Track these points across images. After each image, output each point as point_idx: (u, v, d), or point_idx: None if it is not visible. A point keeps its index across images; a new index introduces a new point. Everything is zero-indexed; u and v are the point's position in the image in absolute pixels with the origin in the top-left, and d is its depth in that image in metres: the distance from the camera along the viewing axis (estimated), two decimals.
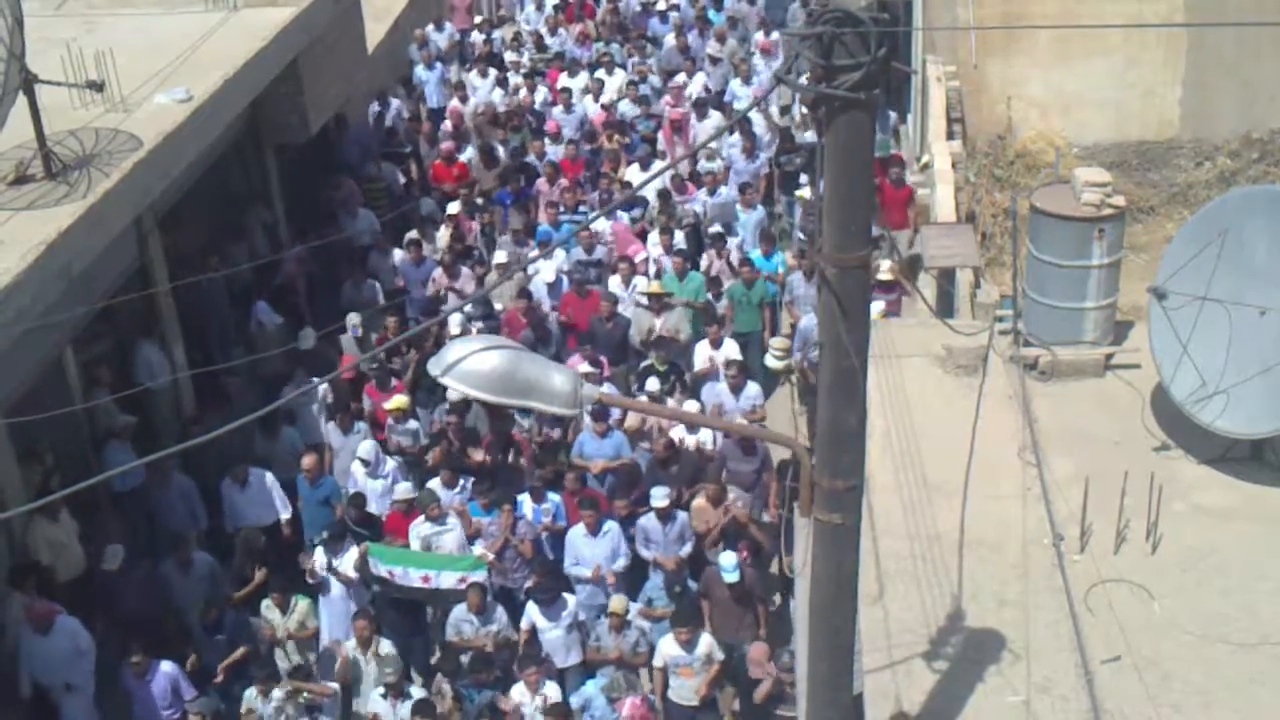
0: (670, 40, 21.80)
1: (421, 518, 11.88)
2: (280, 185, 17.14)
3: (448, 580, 11.34)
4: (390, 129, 19.35)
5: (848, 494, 5.93)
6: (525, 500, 12.17)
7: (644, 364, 13.95)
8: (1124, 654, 7.54)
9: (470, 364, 5.62)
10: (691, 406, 12.79)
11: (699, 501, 11.94)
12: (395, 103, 19.72)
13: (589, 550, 11.68)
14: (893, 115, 18.28)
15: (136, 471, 12.12)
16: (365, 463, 12.69)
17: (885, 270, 13.75)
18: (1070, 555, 8.25)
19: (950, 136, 16.95)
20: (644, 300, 14.68)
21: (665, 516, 11.63)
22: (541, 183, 17.57)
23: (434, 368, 5.75)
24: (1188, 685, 7.38)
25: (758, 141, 18.05)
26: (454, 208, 16.99)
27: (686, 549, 11.72)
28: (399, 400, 13.24)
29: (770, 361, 13.65)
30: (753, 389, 13.27)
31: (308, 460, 12.66)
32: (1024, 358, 9.92)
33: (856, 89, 5.15)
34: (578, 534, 11.75)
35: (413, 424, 13.29)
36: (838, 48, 5.10)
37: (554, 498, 12.20)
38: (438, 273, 15.65)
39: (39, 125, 11.68)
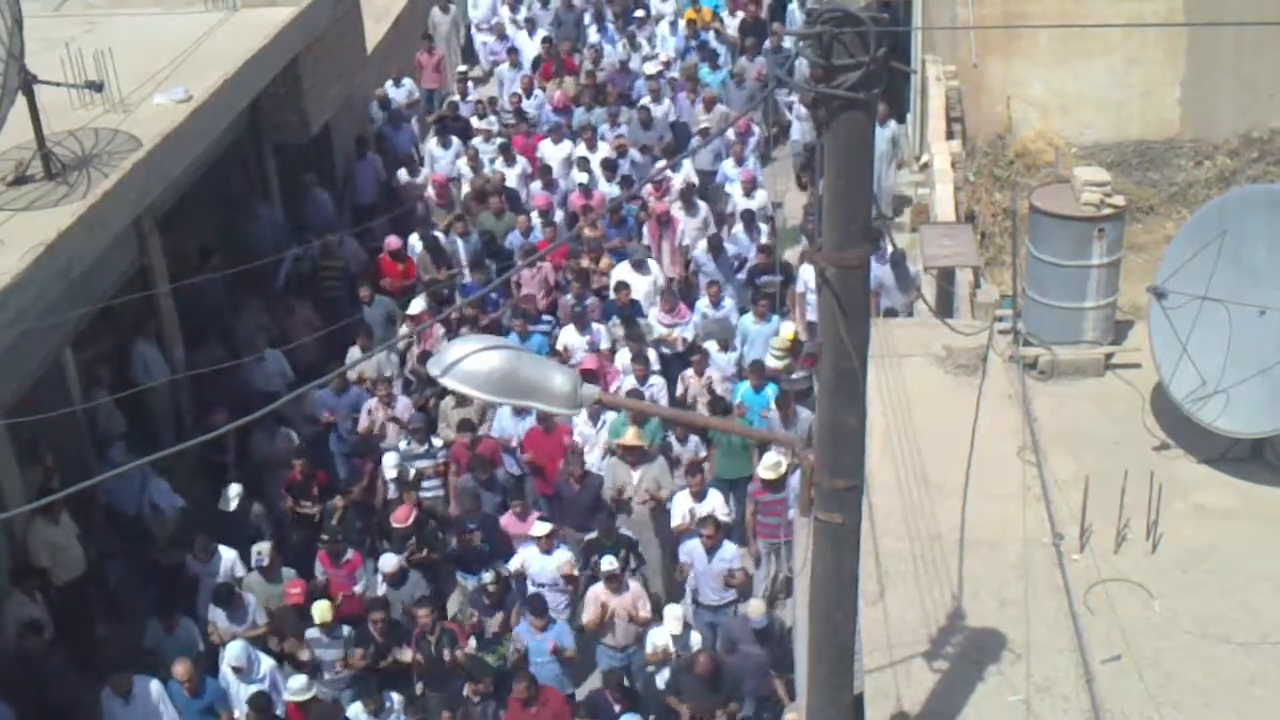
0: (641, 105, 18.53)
1: None
2: (280, 186, 17.12)
3: None
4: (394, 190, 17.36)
5: (848, 494, 5.94)
6: None
7: (588, 538, 12.05)
8: (1124, 654, 7.54)
9: (470, 364, 5.60)
10: (640, 596, 11.28)
11: None
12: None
13: None
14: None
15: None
16: (237, 669, 10.85)
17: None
18: (1070, 555, 8.24)
19: (950, 136, 16.95)
20: (614, 446, 12.68)
21: None
22: (527, 274, 15.18)
23: (434, 368, 5.70)
24: (1188, 685, 7.38)
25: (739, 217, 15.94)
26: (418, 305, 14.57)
27: None
28: (323, 610, 11.08)
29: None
30: (729, 550, 11.55)
31: (181, 669, 10.61)
32: (1024, 357, 9.91)
33: (856, 89, 5.16)
34: None
35: (344, 630, 11.20)
36: (837, 47, 5.11)
37: None
38: (372, 403, 13.40)
39: (38, 126, 11.67)
